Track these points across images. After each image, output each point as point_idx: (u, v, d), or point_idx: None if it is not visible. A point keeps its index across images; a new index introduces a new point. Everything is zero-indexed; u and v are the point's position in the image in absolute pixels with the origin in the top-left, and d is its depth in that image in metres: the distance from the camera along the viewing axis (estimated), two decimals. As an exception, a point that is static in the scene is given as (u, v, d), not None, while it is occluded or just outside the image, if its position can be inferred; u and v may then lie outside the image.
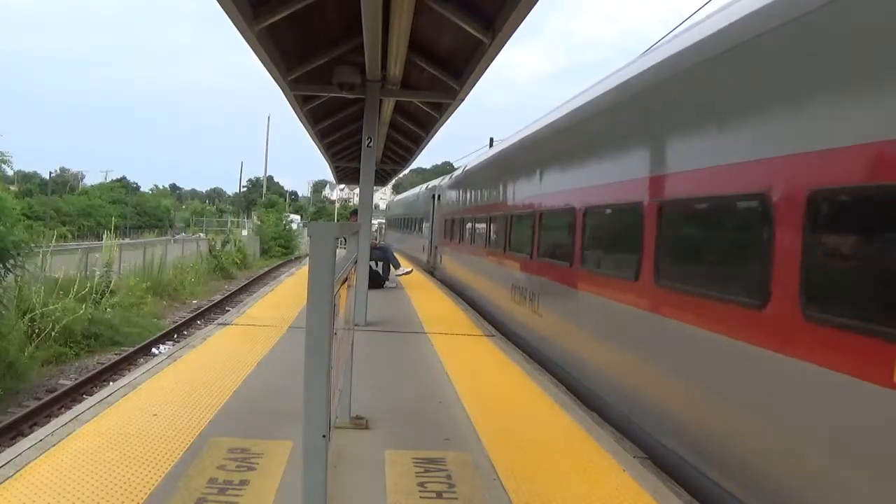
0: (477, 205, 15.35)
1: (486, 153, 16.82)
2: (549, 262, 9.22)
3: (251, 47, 8.80)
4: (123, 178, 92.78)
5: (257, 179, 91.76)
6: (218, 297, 24.46)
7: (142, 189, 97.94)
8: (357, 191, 15.25)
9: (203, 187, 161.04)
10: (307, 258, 3.73)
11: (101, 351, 15.02)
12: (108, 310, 16.83)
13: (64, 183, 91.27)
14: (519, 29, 7.97)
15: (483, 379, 7.78)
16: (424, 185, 30.20)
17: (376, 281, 15.53)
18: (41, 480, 4.25)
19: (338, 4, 8.80)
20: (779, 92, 4.42)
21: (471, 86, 10.73)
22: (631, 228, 6.37)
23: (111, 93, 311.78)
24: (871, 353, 3.44)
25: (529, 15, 7.48)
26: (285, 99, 12.06)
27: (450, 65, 10.63)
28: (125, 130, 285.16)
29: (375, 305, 11.97)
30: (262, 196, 76.70)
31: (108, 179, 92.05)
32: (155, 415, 5.72)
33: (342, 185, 65.48)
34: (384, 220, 49.11)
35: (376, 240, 24.83)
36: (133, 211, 73.49)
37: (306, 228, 26.09)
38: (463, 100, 11.57)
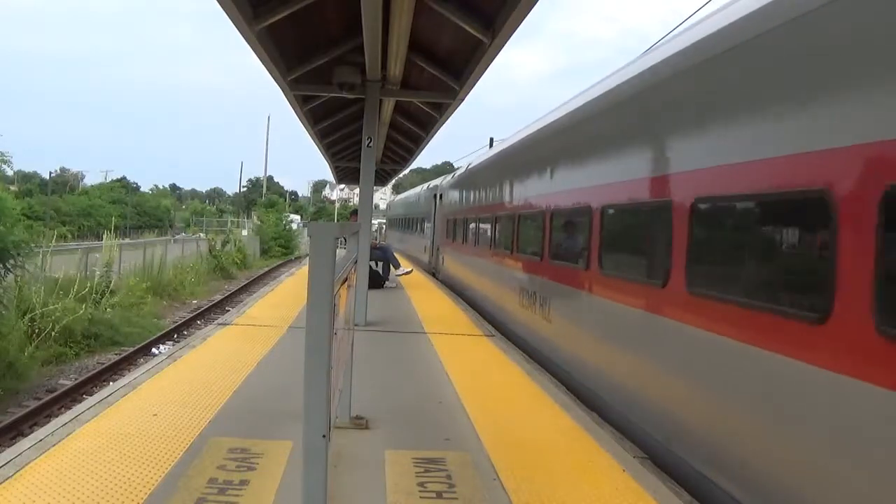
0: (481, 204, 14.74)
1: (492, 150, 15.93)
2: (562, 266, 8.66)
3: (251, 47, 8.80)
4: (123, 178, 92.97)
5: (257, 179, 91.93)
6: (218, 297, 24.46)
7: (142, 189, 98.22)
8: (357, 191, 15.25)
9: (203, 187, 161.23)
10: (307, 258, 3.73)
11: (101, 351, 15.02)
12: (108, 310, 16.83)
13: (64, 183, 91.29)
14: (519, 29, 7.98)
15: (483, 379, 7.77)
16: (426, 185, 29.62)
17: (376, 281, 15.53)
18: (41, 480, 4.25)
19: (338, 4, 8.81)
20: (846, 72, 3.83)
21: (471, 86, 10.73)
22: (659, 230, 5.79)
23: (111, 93, 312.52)
24: None
25: (529, 15, 7.49)
26: (285, 99, 12.06)
27: (450, 65, 10.63)
28: (125, 130, 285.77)
29: (375, 305, 11.97)
30: (262, 196, 76.73)
31: (108, 179, 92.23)
32: (155, 415, 5.72)
33: (342, 185, 65.50)
34: (384, 220, 49.07)
35: (376, 240, 24.77)
36: (133, 211, 73.52)
37: (306, 228, 26.08)
38: (463, 100, 11.57)
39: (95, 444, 4.93)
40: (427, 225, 24.87)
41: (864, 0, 3.82)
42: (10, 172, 30.31)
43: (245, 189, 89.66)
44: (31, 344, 13.30)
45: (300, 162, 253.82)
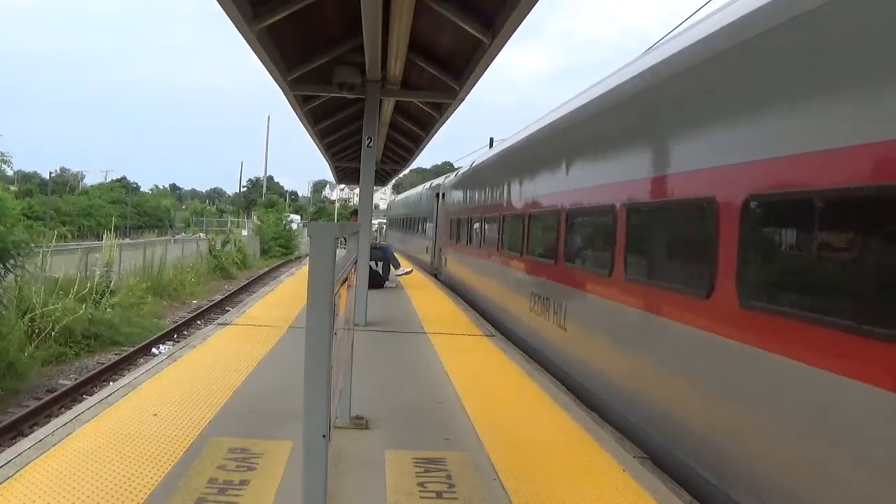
0: (487, 203, 13.98)
1: (499, 146, 15.00)
2: (580, 270, 7.98)
3: (251, 47, 8.80)
4: (123, 178, 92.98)
5: (257, 179, 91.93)
6: (218, 297, 24.46)
7: (142, 189, 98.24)
8: (357, 191, 15.24)
9: (203, 187, 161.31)
10: (307, 258, 3.73)
11: (101, 351, 15.02)
12: (108, 310, 16.83)
13: (64, 183, 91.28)
14: (519, 29, 7.98)
15: (483, 379, 7.77)
16: (427, 184, 28.86)
17: (376, 281, 15.52)
18: (41, 480, 4.25)
19: (338, 4, 8.80)
20: None
21: (471, 86, 10.73)
22: (703, 233, 5.08)
23: (111, 93, 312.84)
24: None
25: (529, 15, 7.49)
26: (285, 99, 12.06)
27: (450, 65, 10.63)
28: (125, 130, 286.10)
29: (375, 305, 11.97)
30: (262, 196, 76.73)
31: (108, 179, 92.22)
32: (155, 415, 5.72)
33: (342, 185, 65.51)
34: (385, 220, 49.01)
35: (376, 240, 24.72)
36: (133, 211, 73.52)
37: (306, 228, 26.05)
38: (463, 100, 11.56)
39: (95, 444, 4.93)
40: (429, 225, 24.40)
41: None
42: (10, 172, 30.34)
43: (245, 189, 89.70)
44: (31, 344, 13.30)
45: (300, 162, 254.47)
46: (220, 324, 10.97)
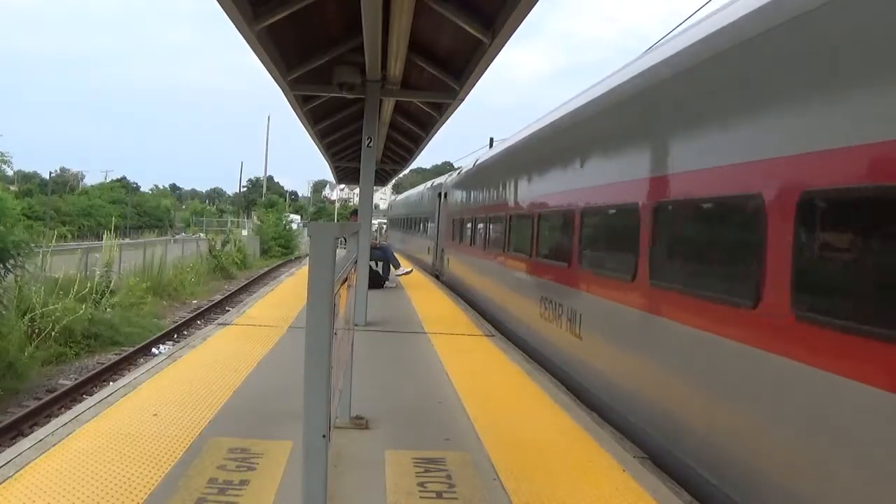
0: (492, 203, 13.34)
1: (505, 142, 14.23)
2: (598, 274, 7.37)
3: (251, 47, 8.80)
4: (123, 178, 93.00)
5: (257, 179, 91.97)
6: (218, 297, 24.46)
7: (142, 189, 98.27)
8: (357, 191, 15.24)
9: (203, 187, 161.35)
10: (307, 258, 3.73)
11: (101, 351, 15.02)
12: (108, 310, 16.85)
13: (64, 183, 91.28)
14: (519, 29, 7.97)
15: (483, 379, 7.77)
16: (429, 183, 28.13)
17: (376, 281, 15.53)
18: (41, 480, 4.25)
19: (338, 4, 8.81)
20: None
21: (471, 86, 10.73)
22: (749, 235, 4.51)
23: (111, 93, 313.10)
24: None
25: (529, 15, 7.49)
26: (285, 99, 12.06)
27: (450, 65, 10.63)
28: (125, 130, 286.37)
29: (375, 305, 11.97)
30: (262, 196, 76.75)
31: (108, 179, 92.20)
32: (155, 415, 5.72)
33: (342, 185, 65.50)
34: (385, 221, 48.97)
35: (376, 239, 24.68)
36: (133, 211, 73.52)
37: (306, 228, 26.03)
38: (463, 100, 11.56)
39: (95, 444, 4.93)
40: (430, 225, 23.87)
41: None
42: (10, 172, 30.33)
43: (245, 189, 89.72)
44: (31, 344, 13.30)
45: (300, 162, 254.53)
46: (220, 324, 10.96)
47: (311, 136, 17.15)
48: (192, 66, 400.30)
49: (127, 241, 31.13)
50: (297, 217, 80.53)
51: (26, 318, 13.80)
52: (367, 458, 4.98)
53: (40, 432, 5.26)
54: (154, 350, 14.54)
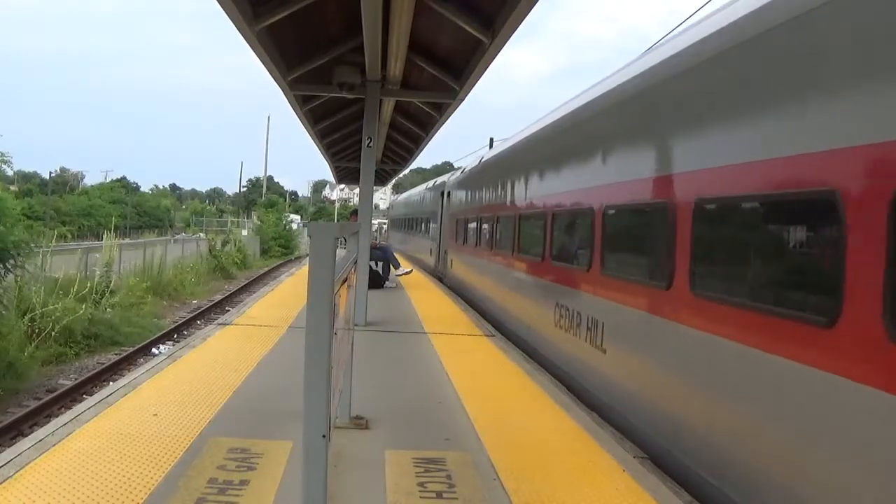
0: (500, 202, 12.63)
1: (513, 138, 13.23)
2: (624, 281, 6.60)
3: (251, 47, 8.80)
4: (123, 178, 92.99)
5: (257, 179, 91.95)
6: (218, 297, 24.46)
7: (142, 189, 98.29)
8: (357, 191, 15.24)
9: (203, 187, 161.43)
10: (307, 258, 3.73)
11: (101, 351, 15.02)
12: (108, 310, 16.84)
13: (64, 183, 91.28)
14: (519, 29, 7.97)
15: (483, 379, 7.77)
16: (432, 182, 27.45)
17: (376, 281, 15.53)
18: (41, 480, 4.25)
19: (338, 4, 8.81)
20: None
21: (471, 86, 10.73)
22: (818, 238, 4.02)
23: (111, 93, 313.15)
24: None
25: (529, 15, 7.49)
26: (285, 99, 12.06)
27: (450, 65, 10.63)
28: (125, 130, 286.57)
29: (375, 305, 11.97)
30: (262, 196, 76.75)
31: (108, 179, 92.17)
32: (155, 415, 5.72)
33: (342, 185, 65.52)
34: (386, 221, 48.91)
35: (376, 239, 24.62)
36: (133, 211, 73.51)
37: (306, 228, 25.98)
38: (463, 100, 11.56)
39: (95, 444, 4.93)
40: (432, 226, 23.30)
41: None
42: (10, 172, 30.29)
43: (245, 189, 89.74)
44: (31, 344, 13.30)
45: (300, 162, 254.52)
46: (220, 324, 10.97)
47: (311, 136, 17.16)
48: (192, 66, 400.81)
49: (127, 241, 31.12)
50: (297, 217, 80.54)
51: (26, 318, 13.79)
52: (367, 458, 4.98)
53: (40, 432, 5.26)
54: (154, 350, 14.53)
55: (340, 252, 3.95)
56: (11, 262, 13.23)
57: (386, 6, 7.72)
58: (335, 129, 16.68)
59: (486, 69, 9.80)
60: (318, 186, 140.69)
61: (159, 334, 16.51)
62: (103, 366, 13.33)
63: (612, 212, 7.05)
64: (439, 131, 15.66)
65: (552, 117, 10.12)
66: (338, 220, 46.35)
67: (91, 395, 8.01)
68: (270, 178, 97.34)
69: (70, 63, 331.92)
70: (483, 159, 16.31)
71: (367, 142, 11.42)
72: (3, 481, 4.22)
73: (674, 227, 5.45)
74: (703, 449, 4.87)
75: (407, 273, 18.17)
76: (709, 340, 4.86)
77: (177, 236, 45.57)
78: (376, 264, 16.25)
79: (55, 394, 11.31)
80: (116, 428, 5.32)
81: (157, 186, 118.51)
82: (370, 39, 8.65)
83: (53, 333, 13.93)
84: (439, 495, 4.36)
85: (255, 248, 44.36)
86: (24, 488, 4.13)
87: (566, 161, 9.06)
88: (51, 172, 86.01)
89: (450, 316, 13.02)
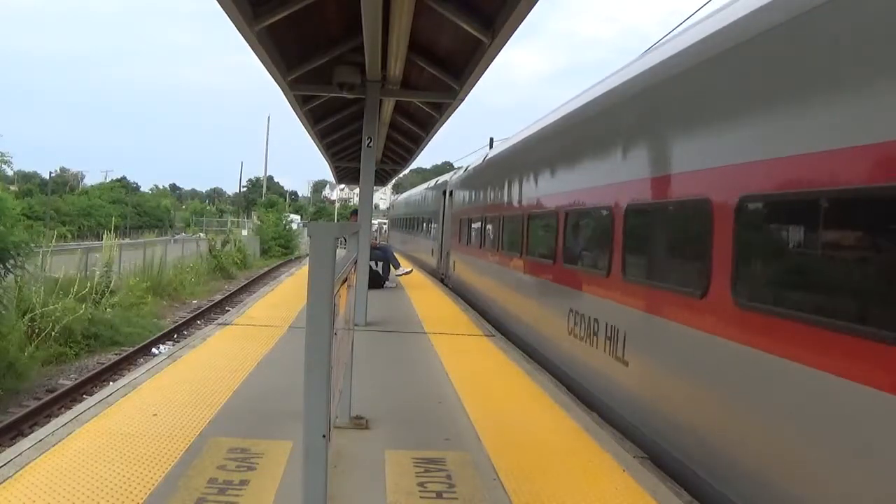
0: (508, 202, 12.10)
1: (521, 133, 12.42)
2: (651, 287, 5.98)
3: (251, 47, 8.80)
4: (123, 178, 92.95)
5: (257, 179, 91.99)
6: (218, 297, 24.46)
7: (142, 189, 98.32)
8: (357, 191, 15.24)
9: (203, 187, 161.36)
10: (307, 258, 3.74)
11: (101, 351, 15.02)
12: (108, 310, 16.84)
13: (64, 183, 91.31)
14: (519, 29, 7.97)
15: (483, 379, 7.77)
16: (433, 181, 26.72)
17: (376, 281, 15.53)
18: (41, 480, 4.25)
19: (338, 4, 8.81)
20: None
21: (471, 86, 10.74)
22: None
23: (111, 93, 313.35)
24: None
25: (529, 15, 7.49)
26: (285, 99, 12.06)
27: (450, 65, 10.63)
28: (125, 130, 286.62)
29: (375, 305, 11.97)
30: (262, 196, 76.76)
31: (108, 179, 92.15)
32: (155, 415, 5.72)
33: (342, 185, 65.51)
34: (386, 221, 48.85)
35: (376, 239, 24.58)
36: (133, 211, 73.49)
37: (306, 228, 25.94)
38: (463, 100, 11.57)
39: (95, 444, 4.93)
40: (434, 226, 22.75)
41: None
42: (10, 172, 30.34)
43: (245, 189, 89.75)
44: (31, 344, 13.30)
45: (300, 162, 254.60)
46: (220, 324, 10.97)
47: (311, 136, 17.16)
48: (192, 66, 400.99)
49: (127, 241, 31.11)
50: (297, 217, 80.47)
51: (26, 318, 13.79)
52: (367, 458, 4.98)
53: (40, 432, 5.26)
54: (154, 350, 14.54)
55: (340, 252, 3.95)
56: (11, 262, 13.23)
57: (386, 6, 7.72)
58: (335, 129, 16.68)
59: (486, 69, 9.80)
60: (318, 186, 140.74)
61: (159, 334, 16.51)
62: (103, 366, 13.33)
63: (637, 211, 6.36)
64: (439, 131, 15.67)
65: (565, 109, 9.34)
66: (338, 220, 46.36)
67: (91, 395, 8.01)
68: (270, 178, 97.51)
69: (70, 63, 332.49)
70: (488, 156, 15.67)
71: (367, 142, 11.42)
72: (3, 481, 4.22)
73: (710, 228, 4.86)
74: (759, 488, 4.15)
75: (407, 273, 18.17)
76: (758, 357, 4.24)
77: (177, 236, 45.55)
78: (376, 264, 16.25)
79: (55, 394, 11.31)
80: (116, 428, 5.32)
81: (157, 186, 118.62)
82: (370, 39, 8.65)
83: (53, 333, 13.93)
84: (439, 495, 4.36)
85: (255, 248, 44.37)
86: (24, 488, 4.13)
87: (583, 155, 8.32)
88: (51, 172, 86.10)
89: (450, 316, 13.02)
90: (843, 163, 3.69)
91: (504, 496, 4.41)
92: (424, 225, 26.21)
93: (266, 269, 37.08)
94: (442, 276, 20.42)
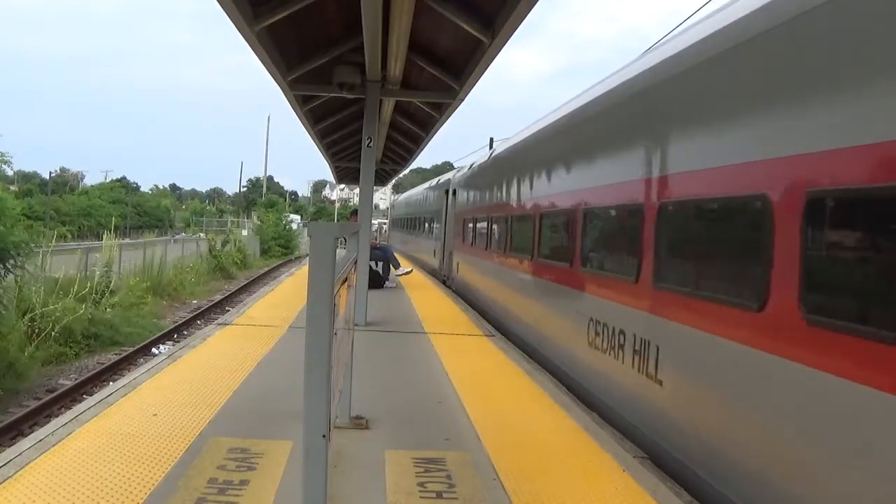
0: (515, 201, 11.47)
1: (531, 126, 11.61)
2: (690, 296, 5.23)
3: (251, 47, 8.80)
4: (123, 178, 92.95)
5: (257, 179, 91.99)
6: (218, 297, 24.45)
7: (142, 189, 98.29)
8: (357, 191, 15.24)
9: (203, 187, 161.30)
10: (307, 258, 3.74)
11: (101, 351, 15.02)
12: (108, 310, 16.84)
13: (64, 183, 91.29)
14: (519, 29, 7.97)
15: (483, 379, 7.77)
16: (435, 180, 26.24)
17: (376, 281, 15.53)
18: (41, 480, 4.25)
19: (338, 4, 8.81)
20: None
21: (471, 86, 10.74)
22: None
23: (111, 93, 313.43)
24: None
25: (529, 15, 7.49)
26: (285, 99, 12.06)
27: (450, 65, 10.64)
28: (125, 130, 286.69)
29: (375, 305, 11.97)
30: (262, 196, 76.76)
31: (108, 179, 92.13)
32: (155, 415, 5.72)
33: (342, 185, 65.51)
34: (386, 221, 48.81)
35: (376, 239, 24.54)
36: (133, 211, 73.47)
37: (306, 228, 25.90)
38: (463, 100, 11.57)
39: (95, 444, 4.93)
40: (436, 226, 22.36)
41: None
42: (10, 172, 30.35)
43: (245, 189, 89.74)
44: (31, 344, 13.30)
45: (300, 162, 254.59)
46: (220, 324, 10.97)
47: (311, 136, 17.16)
48: (192, 66, 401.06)
49: (127, 241, 31.10)
50: (297, 217, 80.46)
51: (26, 318, 13.79)
52: (367, 458, 4.98)
53: (40, 432, 5.26)
54: (154, 350, 14.53)
55: (340, 252, 3.95)
56: (11, 262, 13.23)
57: (386, 6, 7.72)
58: (335, 129, 16.69)
59: (486, 69, 9.80)
60: (318, 186, 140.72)
61: (159, 334, 16.51)
62: (103, 366, 13.33)
63: (671, 210, 5.64)
64: (439, 131, 15.66)
65: (590, 95, 8.42)
66: (338, 220, 46.36)
67: (91, 395, 8.01)
68: (270, 178, 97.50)
69: (70, 63, 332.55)
70: (493, 154, 14.98)
71: (367, 142, 11.42)
72: (3, 481, 4.22)
73: (758, 229, 4.32)
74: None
75: (407, 273, 18.17)
76: (825, 380, 3.62)
77: (177, 236, 45.55)
78: (376, 264, 16.25)
79: (55, 394, 11.31)
80: (116, 428, 5.32)
81: (157, 186, 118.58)
82: (370, 39, 8.66)
83: (53, 333, 13.93)
84: (439, 495, 4.36)
85: (255, 248, 44.37)
86: (24, 488, 4.13)
87: (608, 148, 7.48)
88: (51, 172, 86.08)
89: (450, 316, 13.02)
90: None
91: (504, 496, 4.41)
92: (426, 225, 25.81)
93: (266, 269, 37.07)
94: (444, 278, 20.04)
